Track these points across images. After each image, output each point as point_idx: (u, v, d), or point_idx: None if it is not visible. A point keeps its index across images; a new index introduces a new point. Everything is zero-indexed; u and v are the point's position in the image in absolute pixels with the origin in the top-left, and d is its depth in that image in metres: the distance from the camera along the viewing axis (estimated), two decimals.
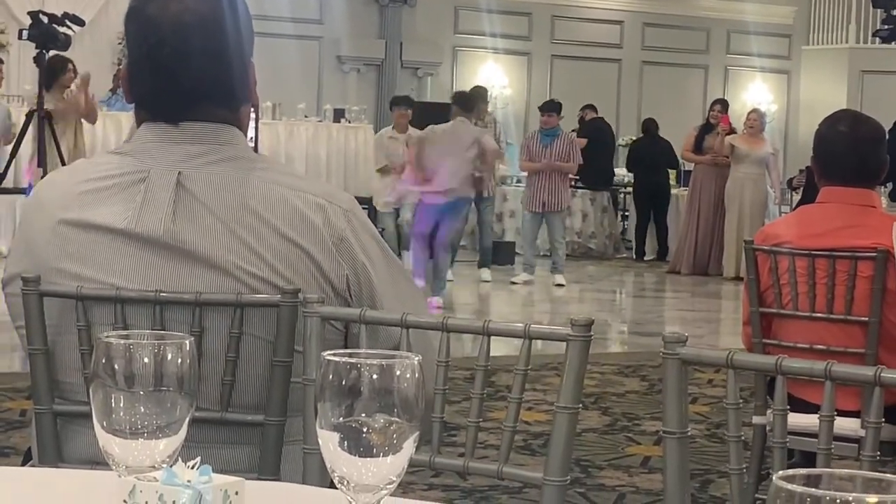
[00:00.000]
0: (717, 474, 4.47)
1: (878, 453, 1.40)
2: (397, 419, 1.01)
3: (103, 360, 1.09)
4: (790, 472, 0.73)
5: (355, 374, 1.01)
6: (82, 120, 8.83)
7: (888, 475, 0.73)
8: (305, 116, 13.14)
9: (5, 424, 4.91)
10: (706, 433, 5.20)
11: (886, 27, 6.64)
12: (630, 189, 14.13)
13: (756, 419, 3.27)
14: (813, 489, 0.71)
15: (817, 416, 1.40)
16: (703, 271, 12.11)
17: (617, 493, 4.26)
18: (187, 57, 1.78)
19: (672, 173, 13.81)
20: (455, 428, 4.43)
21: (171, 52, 1.78)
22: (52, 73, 8.96)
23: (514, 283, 10.80)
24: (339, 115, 13.28)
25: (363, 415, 1.01)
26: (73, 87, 8.98)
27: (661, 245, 13.46)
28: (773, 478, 0.72)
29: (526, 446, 4.78)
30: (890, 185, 6.32)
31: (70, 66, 9.03)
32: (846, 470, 0.75)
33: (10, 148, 8.22)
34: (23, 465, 2.06)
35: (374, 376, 1.01)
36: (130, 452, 1.09)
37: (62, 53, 9.20)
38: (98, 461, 1.20)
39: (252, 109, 1.93)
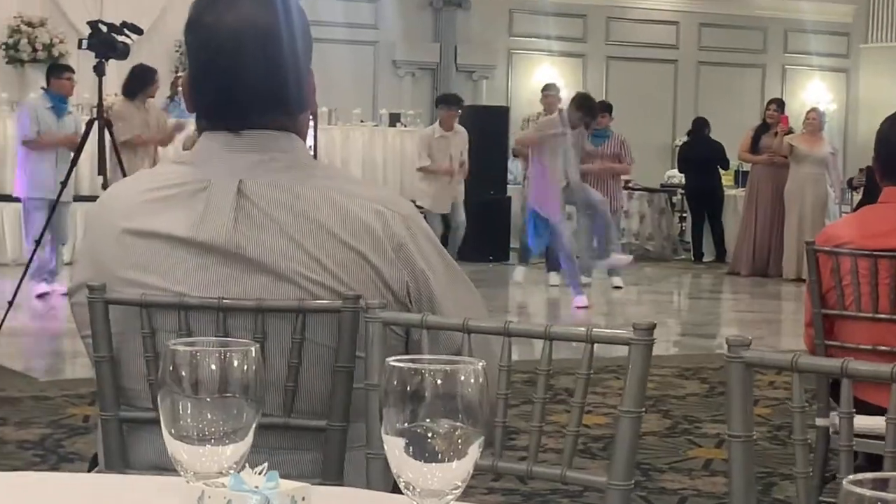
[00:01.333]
0: (779, 477, 4.43)
1: None
2: (462, 424, 1.02)
3: (170, 368, 1.10)
4: (859, 476, 0.73)
5: (419, 380, 1.02)
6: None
7: None
8: (361, 121, 13.21)
9: (70, 430, 4.97)
10: (768, 435, 5.15)
11: None
12: (684, 190, 14.04)
13: (819, 421, 3.24)
14: (882, 493, 0.71)
15: (882, 418, 1.38)
16: (762, 272, 12.00)
17: (679, 496, 4.24)
18: (246, 66, 1.80)
19: (726, 174, 13.68)
20: (515, 431, 4.42)
21: (229, 61, 1.80)
22: (141, 82, 9.14)
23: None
24: (394, 119, 13.34)
25: (428, 420, 1.01)
26: (170, 125, 9.37)
27: (719, 246, 13.36)
28: (843, 482, 0.72)
29: (586, 450, 4.76)
30: None
31: (156, 76, 9.24)
32: None
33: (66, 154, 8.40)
34: (89, 471, 2.09)
35: (439, 382, 1.02)
36: (198, 459, 1.10)
37: (147, 64, 9.41)
38: (164, 467, 1.21)
39: (311, 117, 1.94)
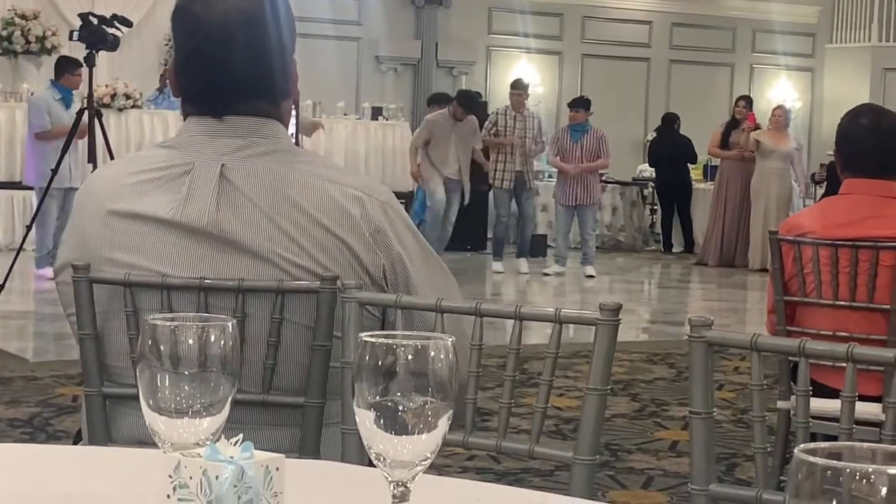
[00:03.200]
0: (742, 458, 4.53)
1: None
2: (432, 398, 1.04)
3: (150, 342, 1.12)
4: (812, 445, 0.73)
5: (391, 355, 1.04)
6: None
7: None
8: (344, 114, 13.36)
9: (58, 409, 5.05)
10: (732, 418, 5.27)
11: None
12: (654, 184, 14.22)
13: (780, 404, 3.32)
14: (834, 461, 0.70)
15: (839, 400, 1.42)
16: (729, 263, 12.23)
17: (645, 475, 4.33)
18: (231, 53, 1.85)
19: (695, 168, 13.87)
20: (488, 413, 4.49)
21: (215, 48, 1.85)
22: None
23: (546, 274, 10.94)
24: (376, 113, 13.49)
25: (399, 394, 1.03)
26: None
27: (688, 238, 13.58)
28: (796, 451, 0.72)
29: (557, 431, 4.87)
30: None
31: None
32: (867, 443, 0.75)
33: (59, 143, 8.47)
34: (73, 444, 2.14)
35: (410, 357, 1.04)
36: (175, 430, 1.12)
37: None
38: (145, 441, 1.25)
39: (293, 104, 1.99)
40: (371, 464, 1.10)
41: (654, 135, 14.26)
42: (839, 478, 0.70)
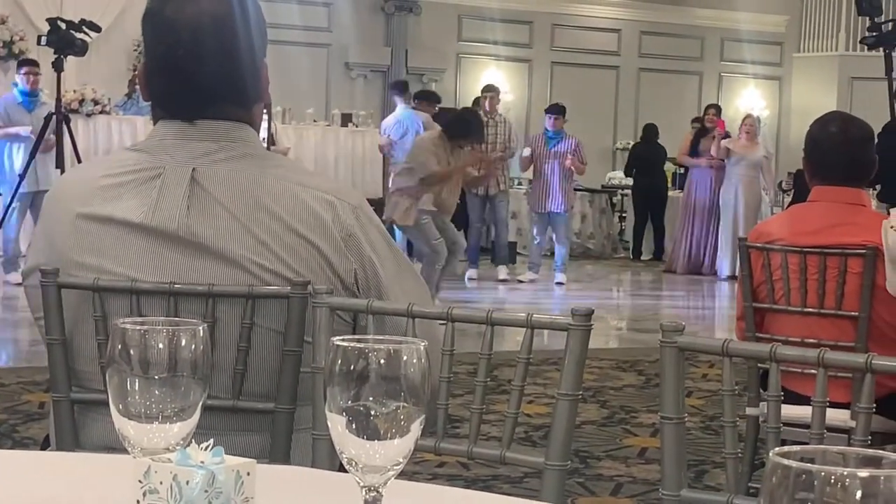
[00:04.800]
0: (712, 465, 4.55)
1: (869, 439, 1.41)
2: (404, 403, 1.03)
3: (119, 346, 1.11)
4: (786, 448, 0.73)
5: (363, 359, 1.03)
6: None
7: (880, 451, 0.73)
8: (314, 121, 13.37)
9: (25, 416, 5.01)
10: (700, 425, 5.29)
11: (872, 34, 6.72)
12: (627, 192, 14.33)
13: (750, 410, 3.33)
14: (809, 465, 0.70)
15: (810, 406, 1.42)
16: (697, 271, 12.31)
17: (615, 482, 4.34)
18: (202, 57, 1.84)
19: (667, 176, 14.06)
20: (459, 420, 4.49)
21: (186, 52, 1.84)
22: None
23: (520, 281, 10.99)
24: (346, 119, 13.53)
25: (371, 398, 1.02)
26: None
27: (658, 245, 13.70)
28: (770, 454, 0.72)
29: (527, 438, 4.88)
30: (879, 187, 6.40)
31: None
32: (839, 447, 0.75)
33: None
34: (41, 449, 2.12)
35: (382, 361, 1.03)
36: (145, 435, 1.11)
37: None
38: (114, 447, 1.23)
39: (264, 108, 1.98)
40: (342, 469, 1.09)
41: (636, 142, 14.40)
42: (813, 481, 0.69)
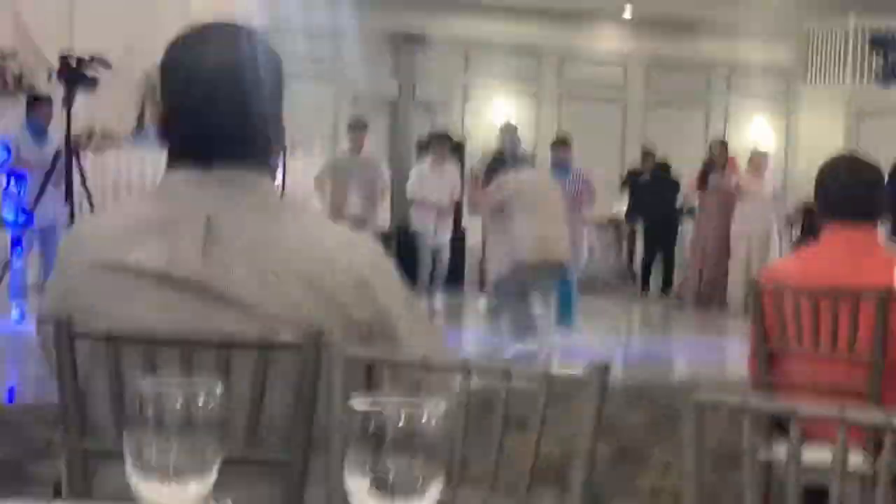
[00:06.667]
0: None
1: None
2: (423, 463, 1.04)
3: (137, 406, 1.12)
4: None
5: (381, 421, 1.04)
6: None
7: None
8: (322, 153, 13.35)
9: (33, 453, 4.98)
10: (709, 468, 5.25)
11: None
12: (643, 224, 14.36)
13: (762, 455, 3.30)
14: None
15: (822, 449, 1.41)
16: (707, 304, 12.28)
17: None
18: (218, 108, 1.84)
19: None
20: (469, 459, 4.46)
21: (203, 103, 1.84)
22: None
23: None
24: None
25: (390, 460, 1.03)
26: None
27: (667, 278, 13.70)
28: None
29: (541, 477, 4.81)
30: (889, 222, 6.42)
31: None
32: None
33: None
34: (52, 498, 2.12)
35: (401, 423, 1.04)
36: (162, 496, 1.11)
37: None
38: (127, 497, 1.23)
39: (280, 155, 1.99)
40: None
41: (646, 178, 14.37)
42: None
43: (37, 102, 9.39)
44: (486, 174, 8.67)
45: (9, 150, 9.25)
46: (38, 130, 9.20)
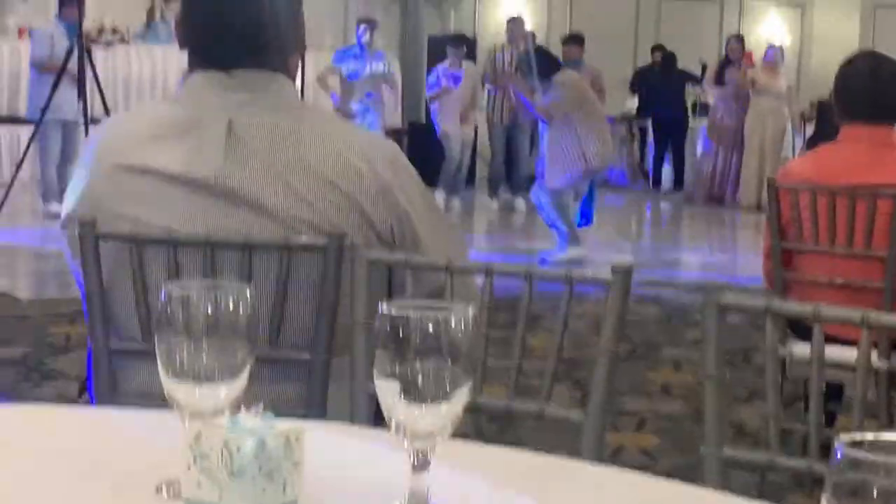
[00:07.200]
0: (735, 401, 4.56)
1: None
2: (451, 368, 1.04)
3: (166, 311, 1.12)
4: (854, 436, 0.72)
5: (411, 326, 1.04)
6: None
7: None
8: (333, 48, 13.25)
9: (52, 349, 5.05)
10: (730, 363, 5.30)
11: None
12: (647, 121, 14.27)
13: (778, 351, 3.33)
14: (882, 457, 0.69)
15: (841, 347, 1.43)
16: (719, 200, 12.28)
17: (638, 417, 4.37)
18: (238, 8, 1.83)
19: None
20: (494, 357, 4.50)
21: (223, 2, 1.83)
22: None
23: None
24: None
25: (418, 364, 1.04)
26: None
27: (678, 174, 13.67)
28: (836, 443, 0.71)
29: (567, 374, 4.83)
30: None
31: None
32: None
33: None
34: (79, 395, 2.16)
35: (430, 328, 1.04)
36: (194, 399, 1.13)
37: None
38: (153, 395, 1.24)
39: (300, 58, 1.97)
40: (378, 420, 1.10)
41: (653, 68, 14.21)
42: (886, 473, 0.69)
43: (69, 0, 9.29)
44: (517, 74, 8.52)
45: (40, 46, 9.24)
46: (69, 26, 9.12)
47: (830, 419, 3.42)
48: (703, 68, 13.16)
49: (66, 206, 1.95)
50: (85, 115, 7.64)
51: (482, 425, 3.98)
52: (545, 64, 8.04)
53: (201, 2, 1.86)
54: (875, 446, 0.72)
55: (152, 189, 1.83)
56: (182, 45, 1.92)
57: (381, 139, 1.95)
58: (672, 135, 13.67)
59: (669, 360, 5.28)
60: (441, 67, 11.31)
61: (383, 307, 1.06)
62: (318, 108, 2.03)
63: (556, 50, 11.74)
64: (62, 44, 9.00)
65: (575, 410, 1.63)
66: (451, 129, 10.99)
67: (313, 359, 1.85)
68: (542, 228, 9.01)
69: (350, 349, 1.77)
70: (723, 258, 9.18)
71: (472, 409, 1.70)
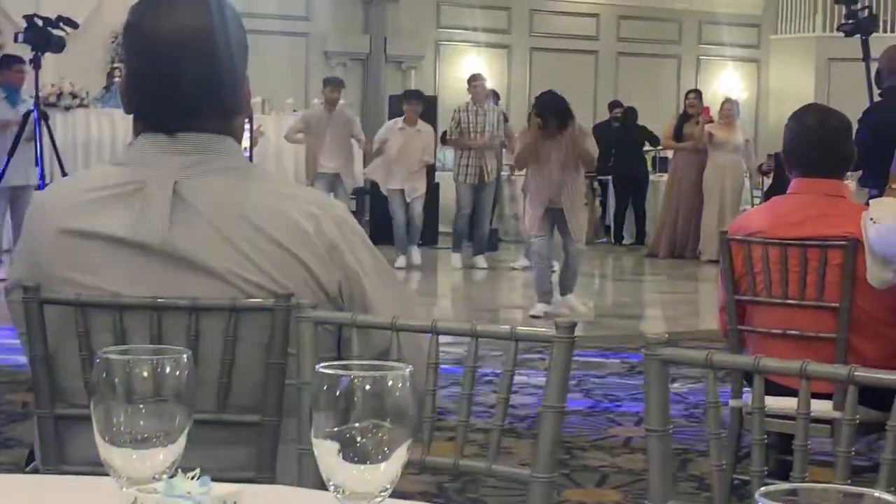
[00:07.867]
0: (695, 454, 4.57)
1: (853, 450, 1.42)
2: (390, 427, 1.04)
3: (104, 375, 1.11)
4: (772, 488, 0.74)
5: (349, 386, 1.04)
6: None
7: (863, 489, 0.75)
8: (294, 110, 13.33)
9: (7, 417, 5.00)
10: (684, 413, 5.31)
11: (849, 21, 6.78)
12: (607, 176, 14.36)
13: (733, 403, 3.36)
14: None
15: (792, 399, 1.44)
16: (680, 255, 12.37)
17: (600, 473, 4.36)
18: (183, 70, 1.83)
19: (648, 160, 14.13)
20: (443, 412, 4.50)
21: (167, 65, 1.83)
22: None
23: (513, 268, 11.05)
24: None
25: (357, 424, 1.03)
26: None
27: (640, 229, 13.75)
28: (756, 495, 0.74)
29: (511, 429, 4.86)
30: (860, 172, 6.47)
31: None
32: (822, 485, 0.76)
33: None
34: (26, 464, 2.13)
35: (368, 387, 1.04)
36: (131, 464, 1.11)
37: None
38: (99, 462, 1.23)
39: (246, 120, 1.98)
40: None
41: (616, 124, 14.34)
42: None
43: (12, 62, 9.28)
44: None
45: None
46: (11, 91, 9.13)
47: (787, 469, 3.43)
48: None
49: (11, 272, 1.94)
50: (42, 179, 7.62)
51: (443, 484, 3.96)
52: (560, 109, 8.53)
53: (145, 66, 1.86)
54: (792, 496, 0.74)
55: (98, 253, 1.82)
56: (127, 110, 1.92)
57: (327, 199, 1.95)
58: (633, 190, 13.77)
59: (632, 415, 5.28)
60: (390, 123, 11.34)
61: (319, 368, 1.06)
62: (264, 170, 2.03)
63: (519, 106, 11.87)
64: (4, 109, 8.98)
65: (524, 468, 1.62)
66: (394, 186, 11.02)
67: (262, 421, 1.84)
68: (499, 286, 9.06)
69: (298, 411, 1.76)
70: (685, 310, 9.22)
71: (420, 469, 1.70)
